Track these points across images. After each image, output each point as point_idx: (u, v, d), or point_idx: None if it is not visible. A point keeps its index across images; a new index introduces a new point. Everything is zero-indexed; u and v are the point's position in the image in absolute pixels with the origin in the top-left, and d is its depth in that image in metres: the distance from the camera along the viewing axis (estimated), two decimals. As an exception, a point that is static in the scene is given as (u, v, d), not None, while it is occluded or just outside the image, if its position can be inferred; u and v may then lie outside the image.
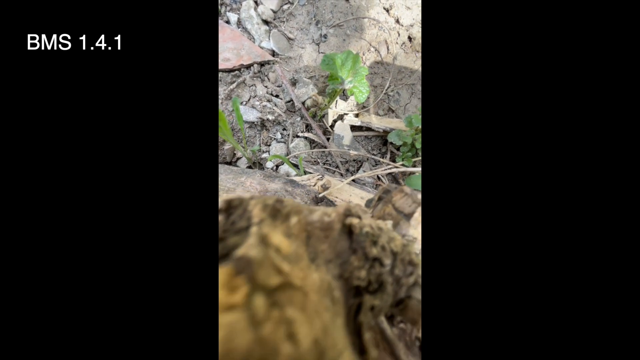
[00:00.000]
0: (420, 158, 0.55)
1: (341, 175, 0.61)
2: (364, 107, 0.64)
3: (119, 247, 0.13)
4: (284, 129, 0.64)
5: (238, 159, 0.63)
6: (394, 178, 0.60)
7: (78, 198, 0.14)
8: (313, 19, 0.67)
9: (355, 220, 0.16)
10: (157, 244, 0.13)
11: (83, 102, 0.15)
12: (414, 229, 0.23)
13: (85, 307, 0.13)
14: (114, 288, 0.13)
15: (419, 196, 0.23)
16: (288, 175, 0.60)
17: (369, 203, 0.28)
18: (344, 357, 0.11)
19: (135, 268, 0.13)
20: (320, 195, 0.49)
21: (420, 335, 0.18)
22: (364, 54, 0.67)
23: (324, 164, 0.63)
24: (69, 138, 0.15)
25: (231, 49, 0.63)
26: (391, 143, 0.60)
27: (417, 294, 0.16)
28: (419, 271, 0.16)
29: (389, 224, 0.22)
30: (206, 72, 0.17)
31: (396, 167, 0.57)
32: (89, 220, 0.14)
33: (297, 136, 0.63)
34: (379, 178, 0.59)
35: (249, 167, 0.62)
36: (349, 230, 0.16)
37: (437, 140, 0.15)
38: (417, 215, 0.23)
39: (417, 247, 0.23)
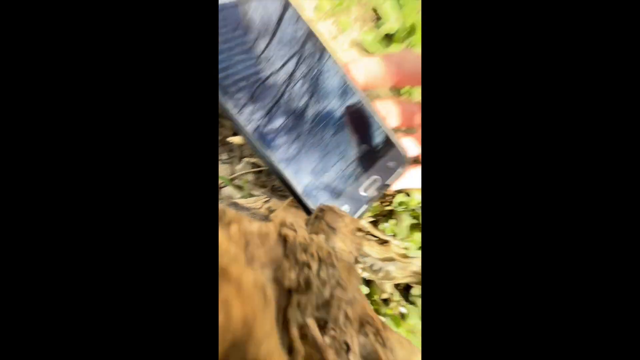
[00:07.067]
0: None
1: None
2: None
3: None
4: (230, 150, 0.65)
5: (179, 178, 0.60)
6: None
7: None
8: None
9: (290, 232, 0.19)
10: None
11: (75, 106, 0.14)
12: (341, 242, 0.27)
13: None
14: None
15: (346, 212, 0.27)
16: (231, 198, 0.59)
17: (308, 222, 0.31)
18: (270, 340, 0.13)
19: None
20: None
21: (347, 340, 0.21)
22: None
23: (272, 187, 0.64)
24: (55, 152, 0.14)
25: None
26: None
27: (340, 293, 0.19)
28: (339, 273, 0.19)
29: (321, 237, 0.25)
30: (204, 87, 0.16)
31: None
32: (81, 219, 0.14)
33: (244, 157, 0.65)
34: (321, 201, 0.63)
35: (191, 187, 0.60)
36: (284, 240, 0.19)
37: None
38: (343, 229, 0.27)
39: (342, 254, 0.26)
